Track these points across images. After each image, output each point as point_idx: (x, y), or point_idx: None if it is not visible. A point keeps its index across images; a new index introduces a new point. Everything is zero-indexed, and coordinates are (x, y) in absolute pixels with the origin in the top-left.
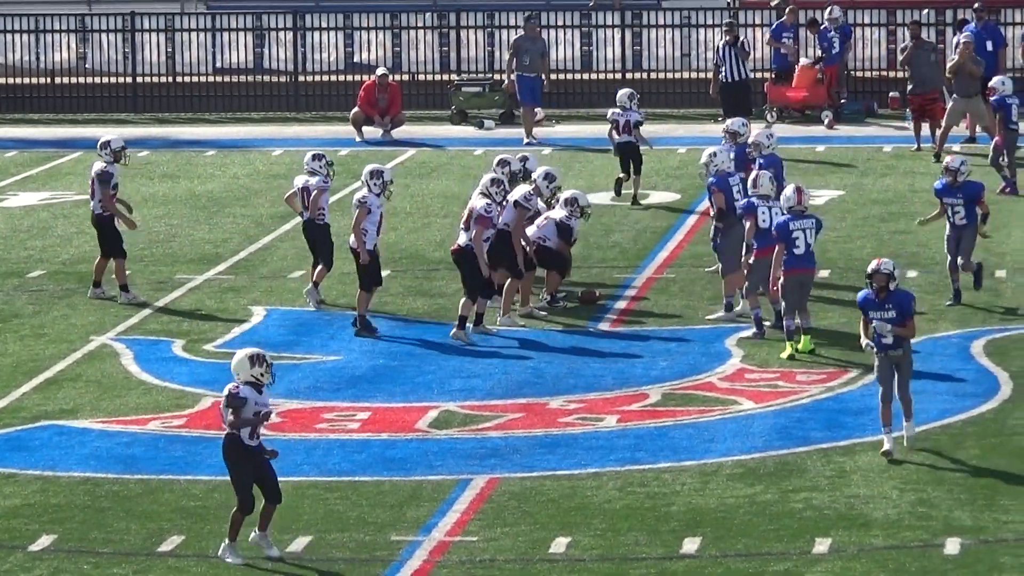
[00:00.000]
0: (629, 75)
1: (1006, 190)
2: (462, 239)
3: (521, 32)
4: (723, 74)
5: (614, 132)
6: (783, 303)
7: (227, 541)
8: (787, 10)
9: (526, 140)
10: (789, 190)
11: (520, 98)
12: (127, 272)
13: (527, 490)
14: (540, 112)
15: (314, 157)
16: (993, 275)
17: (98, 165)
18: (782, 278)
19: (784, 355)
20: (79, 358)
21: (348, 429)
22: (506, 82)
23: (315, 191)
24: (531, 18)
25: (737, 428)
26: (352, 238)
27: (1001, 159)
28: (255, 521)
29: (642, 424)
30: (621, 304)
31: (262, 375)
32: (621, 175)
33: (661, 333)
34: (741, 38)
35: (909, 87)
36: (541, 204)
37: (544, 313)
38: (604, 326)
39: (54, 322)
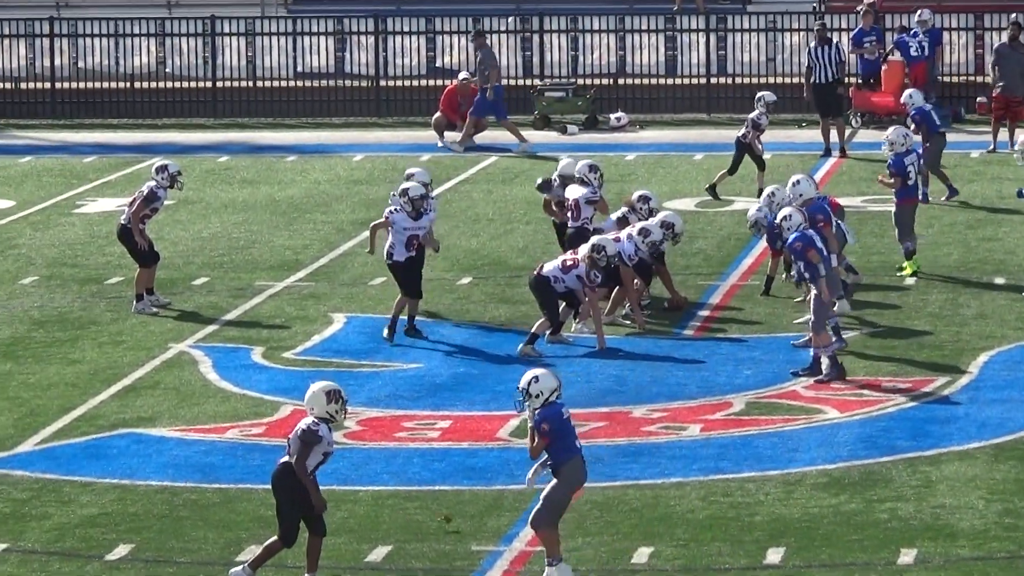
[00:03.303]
0: (714, 80)
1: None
2: (548, 268)
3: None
4: (815, 76)
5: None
6: (899, 231)
7: (247, 568)
8: (862, 13)
9: (440, 143)
10: (899, 131)
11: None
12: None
13: (610, 499)
14: (624, 117)
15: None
16: None
17: (150, 184)
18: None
19: (906, 273)
20: (157, 365)
21: (428, 438)
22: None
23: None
24: (476, 29)
25: (822, 437)
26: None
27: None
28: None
29: (726, 433)
30: (705, 312)
31: (337, 412)
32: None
33: (745, 341)
34: (836, 40)
35: (999, 86)
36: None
37: (628, 322)
38: (688, 333)
39: (132, 329)
